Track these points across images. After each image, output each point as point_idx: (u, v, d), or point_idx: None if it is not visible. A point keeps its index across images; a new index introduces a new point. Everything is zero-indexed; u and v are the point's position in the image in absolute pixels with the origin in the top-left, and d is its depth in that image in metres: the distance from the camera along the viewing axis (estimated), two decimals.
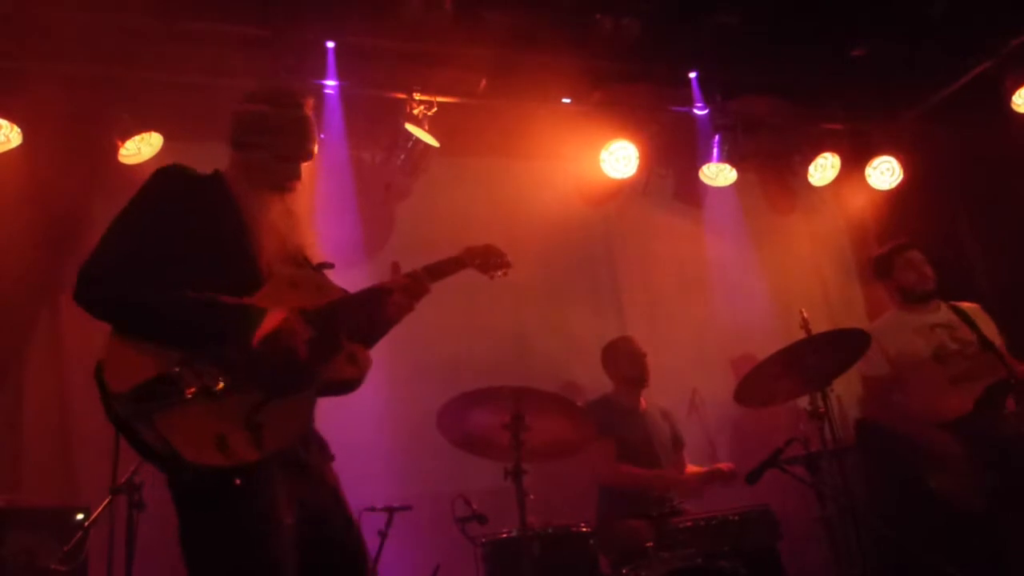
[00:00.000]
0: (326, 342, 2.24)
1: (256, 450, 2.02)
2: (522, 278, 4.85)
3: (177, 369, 2.00)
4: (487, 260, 2.81)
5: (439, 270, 2.61)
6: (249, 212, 2.32)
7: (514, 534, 3.40)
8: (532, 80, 4.84)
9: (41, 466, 4.15)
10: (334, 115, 4.65)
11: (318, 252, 2.50)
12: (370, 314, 2.42)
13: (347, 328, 2.32)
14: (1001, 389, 3.93)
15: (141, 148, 4.39)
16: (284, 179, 2.42)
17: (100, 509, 3.40)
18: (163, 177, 2.28)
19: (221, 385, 2.00)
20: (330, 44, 4.53)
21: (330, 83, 4.61)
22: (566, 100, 5.14)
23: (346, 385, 2.33)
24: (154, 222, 2.18)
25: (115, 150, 4.37)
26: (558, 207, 5.23)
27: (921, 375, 4.13)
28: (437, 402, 3.49)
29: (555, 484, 4.25)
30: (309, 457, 2.25)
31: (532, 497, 3.34)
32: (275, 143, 2.38)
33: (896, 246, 4.44)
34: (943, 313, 4.25)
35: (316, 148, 2.48)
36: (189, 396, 1.97)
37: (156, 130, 4.40)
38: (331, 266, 2.49)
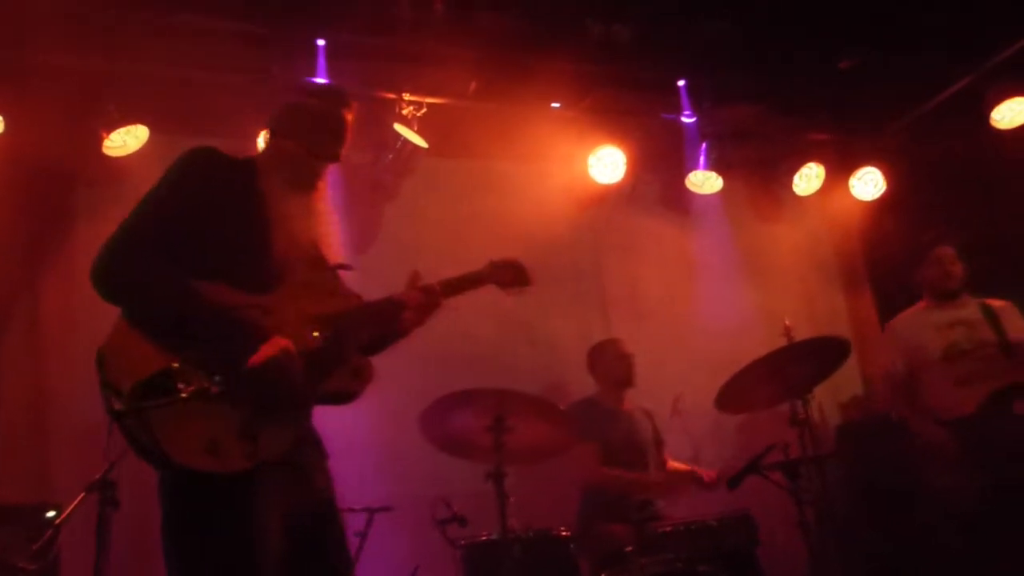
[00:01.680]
0: (334, 353, 2.20)
1: (247, 459, 1.99)
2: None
3: (177, 365, 1.94)
4: (507, 276, 2.80)
5: (457, 286, 2.58)
6: (273, 205, 2.27)
7: (494, 537, 3.39)
8: (522, 83, 4.85)
9: (13, 462, 4.09)
10: None
11: (337, 252, 2.46)
12: (382, 326, 2.38)
13: (356, 338, 2.29)
14: (1008, 393, 3.89)
15: (126, 140, 4.35)
16: (310, 175, 2.38)
17: (72, 507, 3.34)
18: (195, 158, 2.24)
19: (216, 389, 1.94)
20: (320, 42, 4.52)
21: (320, 81, 4.59)
22: (555, 104, 5.15)
23: (347, 397, 2.29)
24: (177, 204, 2.15)
25: (100, 142, 4.33)
26: (545, 211, 5.23)
27: (929, 373, 4.14)
28: (420, 403, 3.48)
29: (536, 487, 4.25)
30: (302, 458, 2.21)
31: (513, 500, 3.34)
32: (310, 137, 2.34)
33: (928, 241, 4.39)
34: (969, 311, 4.19)
35: (342, 154, 2.43)
36: (186, 396, 1.91)
37: (142, 123, 4.35)
38: (349, 267, 2.45)
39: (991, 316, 4.11)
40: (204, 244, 2.13)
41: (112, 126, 4.29)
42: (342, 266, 2.44)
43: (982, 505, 3.73)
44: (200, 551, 2.00)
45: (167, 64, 4.31)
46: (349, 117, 2.40)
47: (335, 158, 2.41)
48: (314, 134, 2.35)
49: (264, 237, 2.21)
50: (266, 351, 2.04)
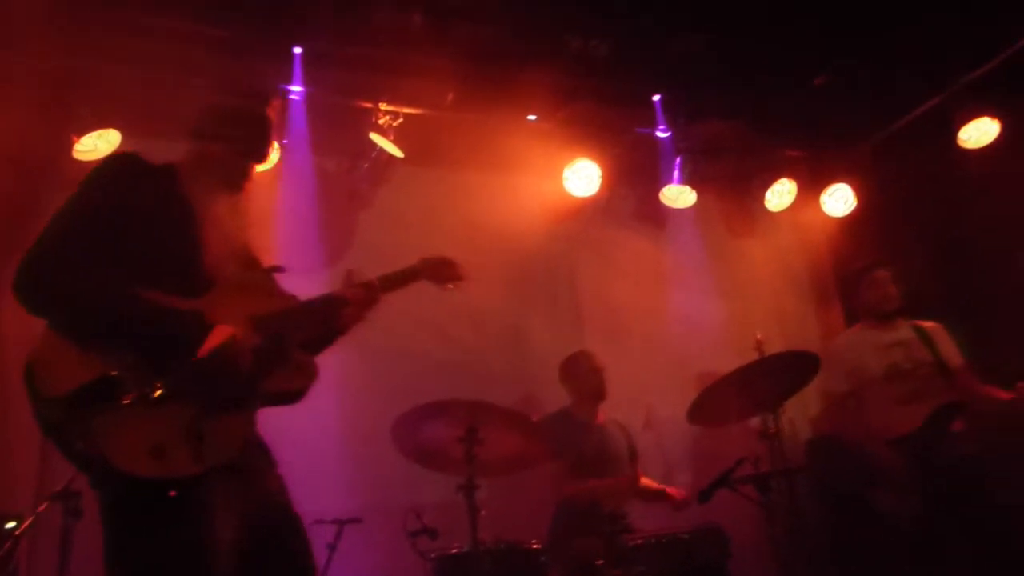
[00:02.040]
0: (274, 352, 2.17)
1: (195, 463, 1.93)
2: (482, 291, 4.87)
3: (116, 373, 1.90)
4: (441, 272, 2.78)
5: (394, 281, 2.56)
6: (199, 208, 2.24)
7: (465, 550, 3.37)
8: (499, 95, 4.87)
9: None
10: (298, 121, 4.61)
11: (270, 254, 2.46)
12: (322, 324, 2.36)
13: (296, 337, 2.26)
14: (947, 411, 4.02)
15: (98, 144, 4.29)
16: (237, 176, 2.37)
17: (32, 518, 3.27)
18: (113, 165, 2.22)
19: (159, 393, 1.90)
20: (297, 50, 4.50)
21: (296, 89, 4.58)
22: (532, 117, 5.17)
23: (293, 396, 2.26)
24: (100, 212, 2.10)
25: (70, 145, 4.27)
26: (520, 223, 5.24)
27: (873, 392, 4.23)
28: (392, 414, 3.45)
29: (508, 499, 4.24)
30: (250, 463, 2.16)
31: (484, 512, 3.32)
32: (234, 137, 2.34)
33: (865, 264, 4.52)
34: (903, 332, 4.32)
35: (271, 152, 2.45)
36: (127, 403, 1.87)
37: (114, 127, 4.30)
38: (281, 269, 2.42)
39: (925, 337, 4.25)
40: (129, 251, 2.08)
41: (84, 130, 4.23)
42: (276, 268, 2.41)
43: (926, 522, 3.80)
44: (150, 566, 1.93)
45: (140, 68, 4.27)
46: (272, 115, 2.43)
47: (262, 157, 2.43)
48: (238, 134, 2.35)
49: (192, 241, 2.19)
50: (213, 341, 2.01)
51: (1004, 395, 4.04)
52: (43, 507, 3.27)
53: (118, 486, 1.93)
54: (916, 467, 3.90)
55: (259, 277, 2.35)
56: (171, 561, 1.92)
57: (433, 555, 3.50)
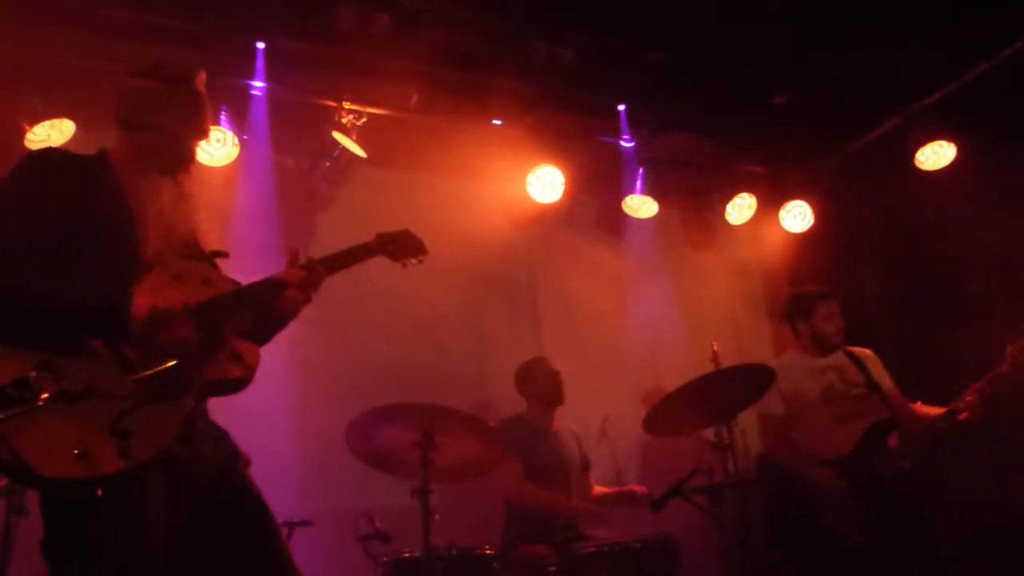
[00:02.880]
0: (208, 339, 2.06)
1: (121, 459, 1.85)
2: (441, 295, 4.90)
3: (33, 373, 1.76)
4: (400, 246, 2.69)
5: (342, 259, 2.45)
6: (134, 197, 2.15)
7: (417, 554, 3.35)
8: (464, 99, 4.86)
9: None
10: (259, 117, 4.55)
11: (214, 239, 2.34)
12: (262, 309, 2.24)
13: (233, 324, 2.15)
14: (881, 429, 4.16)
15: (51, 134, 4.16)
16: (177, 160, 2.27)
17: None
18: (35, 159, 2.13)
19: (80, 387, 1.79)
20: (260, 45, 4.44)
21: (258, 84, 4.52)
22: (497, 122, 5.17)
23: (232, 384, 2.15)
24: (19, 207, 2.02)
25: (22, 135, 4.16)
26: (482, 227, 5.23)
27: (811, 414, 4.32)
28: (346, 416, 3.42)
29: (462, 505, 4.22)
30: (191, 455, 2.07)
31: (438, 517, 3.31)
32: (166, 123, 2.23)
33: (820, 292, 4.56)
34: (836, 357, 4.44)
35: (210, 126, 2.35)
36: (42, 403, 1.74)
37: (69, 117, 4.20)
38: (224, 255, 2.35)
39: (856, 361, 4.37)
40: (54, 248, 2.00)
41: (36, 119, 4.11)
42: (217, 253, 2.33)
43: (866, 539, 3.89)
44: (83, 567, 1.89)
45: (98, 59, 4.17)
46: (202, 88, 2.29)
47: (203, 135, 2.33)
48: (171, 119, 2.23)
49: (124, 230, 2.10)
50: (138, 316, 1.93)
51: (935, 411, 4.15)
52: None
53: (46, 487, 1.88)
54: (855, 484, 3.99)
55: (197, 266, 2.22)
56: (104, 561, 1.88)
57: (385, 559, 3.48)
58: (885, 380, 4.39)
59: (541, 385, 4.59)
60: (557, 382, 4.57)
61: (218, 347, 2.10)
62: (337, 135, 4.65)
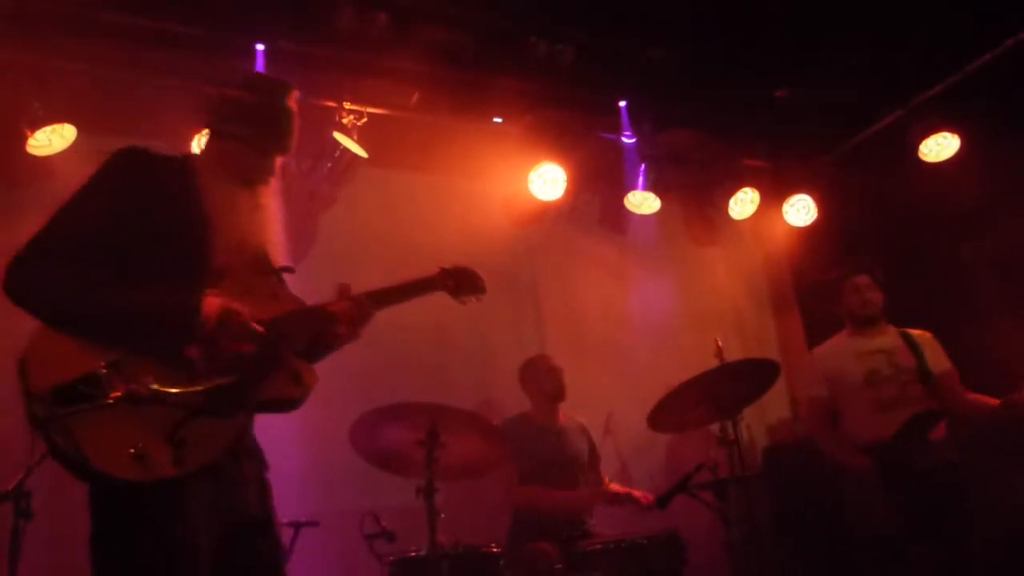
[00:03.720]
0: (269, 356, 2.10)
1: (174, 465, 1.89)
2: (444, 295, 4.89)
3: (104, 370, 1.85)
4: (462, 283, 2.74)
5: (393, 296, 2.46)
6: (212, 205, 2.16)
7: (423, 553, 3.35)
8: (464, 98, 4.85)
9: None
10: None
11: (281, 254, 2.35)
12: (313, 336, 2.27)
13: (291, 345, 2.19)
14: (924, 420, 3.97)
15: (52, 139, 4.17)
16: (257, 173, 2.28)
17: None
18: (121, 158, 2.13)
19: (146, 391, 1.85)
20: (260, 47, 4.45)
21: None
22: (497, 120, 5.17)
23: (288, 404, 2.19)
24: (101, 206, 2.05)
25: (23, 139, 4.16)
26: (484, 226, 5.23)
27: (851, 398, 4.20)
28: (350, 416, 3.42)
29: (467, 503, 4.22)
30: (237, 471, 2.12)
31: (443, 516, 3.31)
32: (251, 134, 2.24)
33: (844, 271, 4.44)
34: (888, 338, 4.27)
35: (294, 144, 2.33)
36: (111, 401, 1.82)
37: (70, 122, 4.20)
38: (291, 270, 2.36)
39: (912, 344, 4.21)
40: (131, 248, 2.03)
41: (37, 124, 4.11)
42: (285, 269, 2.34)
43: (899, 529, 3.83)
44: (129, 566, 1.91)
45: (99, 63, 4.19)
46: (294, 106, 2.30)
47: (284, 150, 2.32)
48: (256, 130, 2.25)
49: (199, 236, 2.11)
50: (211, 313, 1.96)
51: (991, 402, 3.98)
52: None
53: (101, 486, 1.92)
54: (890, 474, 3.90)
55: (267, 281, 2.26)
56: (146, 558, 1.91)
57: (390, 558, 3.48)
58: (940, 365, 4.19)
59: (542, 381, 4.59)
60: (558, 379, 4.57)
61: (278, 365, 2.14)
62: (338, 136, 4.65)
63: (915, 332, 4.30)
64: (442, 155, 5.13)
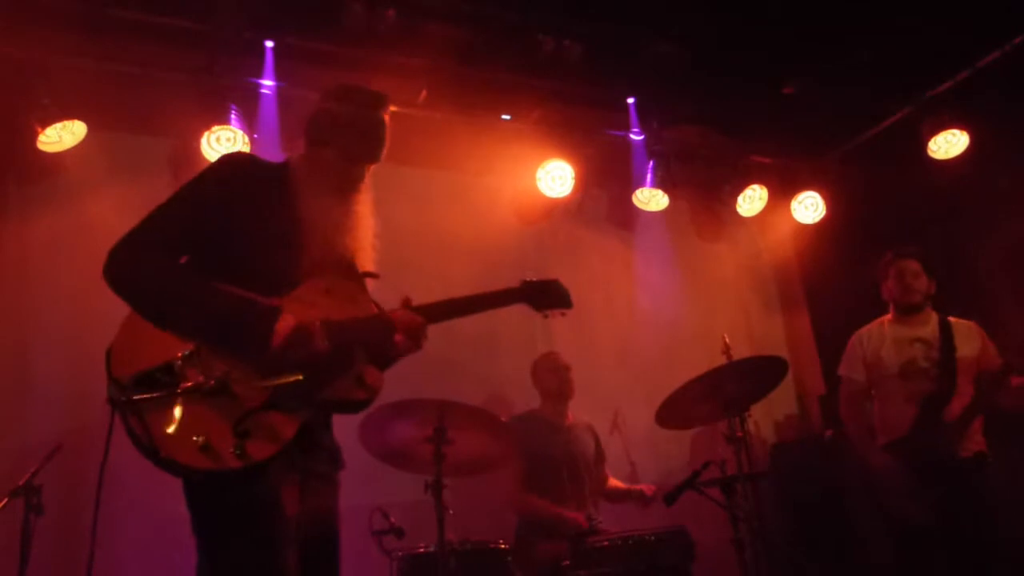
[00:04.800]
0: (338, 357, 2.17)
1: (239, 459, 1.96)
2: (452, 291, 4.88)
3: (180, 361, 1.95)
4: (547, 296, 2.83)
5: (472, 306, 2.61)
6: (305, 210, 2.26)
7: (431, 549, 3.36)
8: (472, 94, 4.86)
9: None
10: (269, 116, 4.56)
11: (369, 260, 2.42)
12: (377, 344, 2.31)
13: (361, 348, 2.26)
14: (933, 403, 3.91)
15: (62, 136, 4.19)
16: (348, 181, 2.36)
17: None
18: (225, 162, 2.30)
19: (213, 383, 1.93)
20: (269, 44, 4.46)
21: (267, 83, 4.53)
22: (506, 117, 5.17)
23: (354, 406, 2.29)
24: (199, 205, 2.18)
25: (34, 136, 4.19)
26: (492, 222, 5.23)
27: (886, 388, 4.12)
28: (359, 413, 3.43)
29: (475, 500, 4.23)
30: (313, 466, 2.22)
31: (451, 512, 3.32)
32: (343, 143, 2.33)
33: (893, 254, 4.28)
34: (929, 328, 4.14)
35: (384, 152, 2.40)
36: (183, 391, 1.92)
37: (80, 118, 4.22)
38: (375, 275, 2.43)
39: (948, 335, 4.07)
40: (223, 247, 2.15)
41: (47, 121, 4.13)
42: (368, 274, 2.41)
43: (926, 521, 3.78)
44: (218, 551, 2.03)
45: (108, 60, 4.20)
46: (385, 117, 2.38)
47: (373, 159, 2.39)
48: (347, 139, 2.33)
49: (289, 239, 2.21)
50: (287, 323, 2.05)
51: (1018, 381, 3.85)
52: (3, 503, 3.22)
53: (167, 468, 1.98)
54: (916, 467, 3.84)
55: (348, 284, 2.33)
56: (229, 547, 2.00)
57: (399, 554, 3.49)
58: (974, 349, 4.04)
59: (549, 379, 4.60)
60: (563, 377, 4.58)
61: (347, 366, 2.21)
62: None
63: (957, 321, 4.15)
64: (450, 151, 5.13)
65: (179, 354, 1.96)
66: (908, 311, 4.18)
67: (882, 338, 4.20)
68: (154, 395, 1.91)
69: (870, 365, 4.17)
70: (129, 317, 2.07)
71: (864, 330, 4.34)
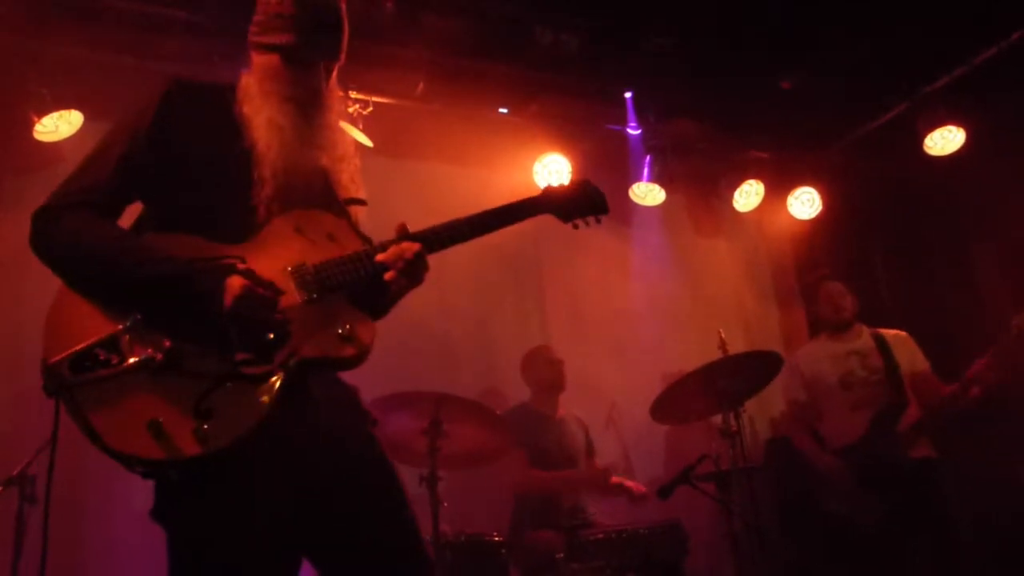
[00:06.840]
0: (317, 309, 1.81)
1: (199, 443, 1.63)
2: (448, 284, 4.90)
3: (123, 333, 1.65)
4: (576, 203, 2.30)
5: (454, 233, 2.12)
6: (255, 130, 1.87)
7: (426, 542, 3.37)
8: (470, 87, 4.84)
9: None
10: None
11: (355, 181, 2.03)
12: (367, 283, 1.91)
13: (344, 295, 1.88)
14: (889, 414, 4.12)
15: (59, 126, 4.17)
16: (303, 88, 1.91)
17: None
18: (154, 93, 1.89)
19: (162, 357, 1.65)
20: None
21: None
22: (503, 109, 5.16)
23: (341, 363, 1.87)
24: (132, 144, 1.83)
25: (30, 126, 4.17)
26: None
27: (828, 400, 4.32)
28: None
29: (470, 492, 4.24)
30: (312, 427, 1.84)
31: (446, 505, 3.33)
32: (288, 41, 1.87)
33: (818, 278, 4.66)
34: (863, 340, 4.40)
35: (342, 48, 1.93)
36: (127, 368, 1.63)
37: (77, 108, 4.20)
38: (362, 202, 2.05)
39: (883, 346, 4.32)
40: (173, 193, 1.83)
41: (44, 110, 4.11)
42: (354, 200, 2.03)
43: (879, 525, 3.89)
44: (177, 547, 1.73)
45: (105, 50, 4.18)
46: (339, 5, 1.92)
47: (327, 55, 1.92)
48: (293, 37, 1.87)
49: (241, 172, 1.84)
50: (233, 286, 1.70)
51: (946, 389, 4.07)
52: None
53: (118, 461, 1.68)
54: (866, 472, 3.98)
55: (323, 217, 1.94)
56: (186, 544, 1.73)
57: None
58: (912, 363, 4.29)
59: (541, 373, 4.62)
60: (556, 370, 4.60)
61: (329, 318, 1.83)
62: (344, 124, 4.64)
63: (888, 332, 4.42)
64: (447, 144, 5.12)
65: (120, 326, 1.66)
66: (839, 328, 4.47)
67: (818, 357, 4.45)
68: (94, 375, 1.61)
69: (810, 384, 4.40)
70: (60, 291, 1.74)
71: (798, 352, 4.66)
